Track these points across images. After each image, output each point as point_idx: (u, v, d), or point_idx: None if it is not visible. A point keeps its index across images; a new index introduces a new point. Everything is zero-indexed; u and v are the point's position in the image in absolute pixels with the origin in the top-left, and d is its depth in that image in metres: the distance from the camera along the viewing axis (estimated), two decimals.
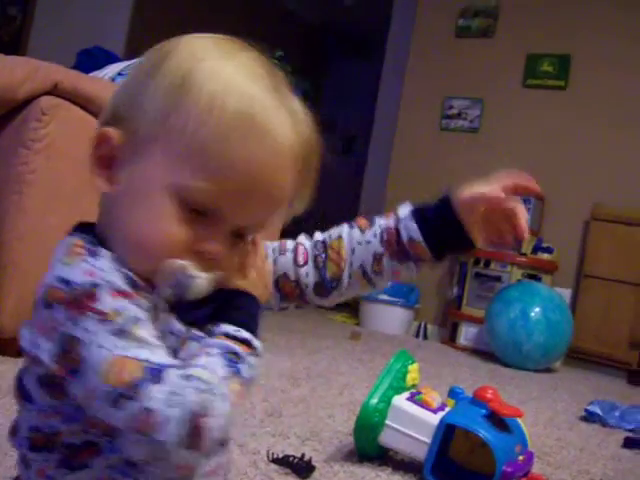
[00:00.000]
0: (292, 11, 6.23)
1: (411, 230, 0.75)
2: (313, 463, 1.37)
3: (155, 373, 0.57)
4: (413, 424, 1.44)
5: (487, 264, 4.08)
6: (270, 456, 1.39)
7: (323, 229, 0.83)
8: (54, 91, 1.83)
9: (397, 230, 0.76)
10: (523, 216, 0.75)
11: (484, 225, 0.76)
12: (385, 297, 4.20)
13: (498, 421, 1.39)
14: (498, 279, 4.04)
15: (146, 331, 0.60)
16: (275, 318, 3.54)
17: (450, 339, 4.18)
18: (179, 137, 0.62)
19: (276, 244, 0.81)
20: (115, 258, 0.63)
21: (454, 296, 4.26)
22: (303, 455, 1.39)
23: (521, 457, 1.39)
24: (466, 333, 4.07)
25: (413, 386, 1.55)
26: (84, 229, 0.68)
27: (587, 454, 1.86)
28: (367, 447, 1.49)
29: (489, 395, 1.43)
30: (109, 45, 3.19)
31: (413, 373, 1.56)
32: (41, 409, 0.65)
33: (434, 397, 1.50)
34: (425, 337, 4.35)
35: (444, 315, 4.39)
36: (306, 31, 6.53)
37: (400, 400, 1.48)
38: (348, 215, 0.99)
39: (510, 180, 0.75)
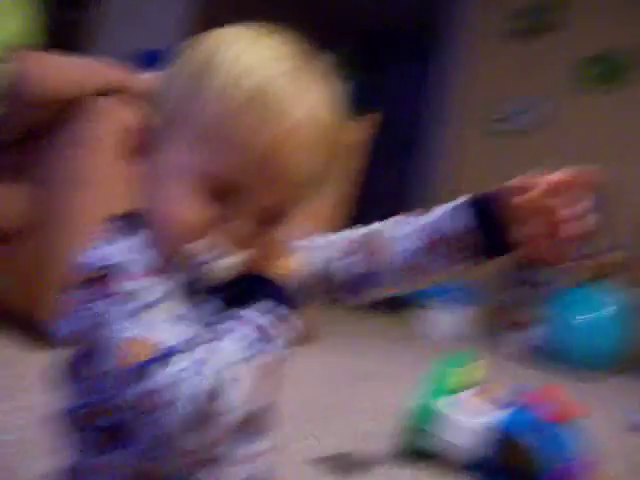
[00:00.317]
0: (345, 14, 6.23)
1: (454, 225, 0.72)
2: (355, 463, 1.37)
3: (166, 354, 0.58)
4: (460, 427, 1.43)
5: (541, 267, 4.01)
6: (312, 456, 1.40)
7: None
8: (109, 90, 1.87)
9: (436, 224, 0.74)
10: (570, 214, 0.68)
11: (533, 223, 0.69)
12: (435, 300, 4.17)
13: (546, 426, 1.38)
14: (552, 283, 3.97)
15: (163, 313, 0.60)
16: (328, 318, 3.54)
17: (501, 344, 4.13)
18: (199, 119, 0.63)
19: (310, 239, 0.80)
20: (141, 241, 0.65)
21: (505, 300, 4.20)
22: (345, 455, 1.39)
23: (569, 464, 1.37)
24: (517, 338, 4.02)
25: (460, 389, 1.54)
26: (120, 217, 0.70)
27: (634, 465, 1.82)
28: (415, 448, 1.49)
29: (539, 400, 1.41)
30: (166, 47, 3.24)
31: (461, 376, 1.55)
32: (75, 390, 0.67)
33: (481, 400, 1.49)
34: (474, 341, 4.31)
35: (495, 319, 4.33)
36: (358, 34, 6.53)
37: (448, 402, 1.47)
38: None
39: (560, 175, 0.69)
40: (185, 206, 0.64)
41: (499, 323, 4.21)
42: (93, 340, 0.60)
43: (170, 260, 0.64)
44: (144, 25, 4.75)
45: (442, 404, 1.47)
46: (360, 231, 0.79)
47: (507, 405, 1.48)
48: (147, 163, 0.68)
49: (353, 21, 6.33)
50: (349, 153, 2.60)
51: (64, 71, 1.86)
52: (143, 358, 0.57)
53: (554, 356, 3.51)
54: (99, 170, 1.85)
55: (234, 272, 0.66)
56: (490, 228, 0.71)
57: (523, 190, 0.70)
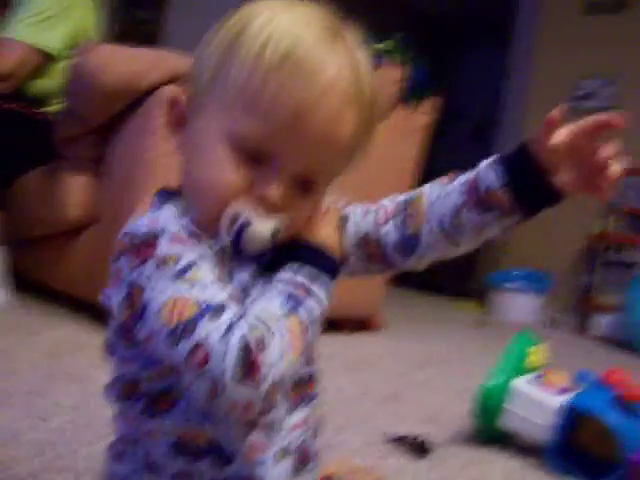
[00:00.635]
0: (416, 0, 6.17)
1: (489, 178, 0.71)
2: (430, 444, 1.36)
3: (212, 310, 0.59)
4: (534, 407, 1.39)
5: (621, 249, 3.91)
6: (387, 436, 1.39)
7: None
8: (178, 79, 1.90)
9: (476, 179, 0.72)
10: (611, 153, 0.67)
11: (570, 168, 0.69)
12: (514, 284, 4.10)
13: (627, 406, 1.33)
14: (633, 265, 3.86)
15: (205, 274, 0.62)
16: (400, 304, 3.53)
17: (582, 328, 4.04)
18: (231, 84, 0.64)
19: (360, 206, 0.80)
20: (180, 209, 0.67)
21: (587, 284, 4.10)
22: (420, 436, 1.38)
23: None
24: (599, 322, 3.92)
25: (536, 368, 1.50)
26: (164, 188, 0.72)
27: None
28: (486, 430, 1.46)
29: (618, 378, 1.36)
30: None
31: (536, 355, 1.52)
32: (122, 358, 0.69)
33: (558, 379, 1.44)
34: (556, 326, 4.22)
35: (576, 303, 4.23)
36: (431, 20, 6.45)
37: (521, 382, 1.44)
38: None
39: (591, 120, 0.68)
40: (219, 170, 0.65)
41: (581, 306, 4.11)
42: (140, 304, 0.61)
43: (208, 225, 0.65)
44: (211, 16, 4.83)
45: (519, 383, 1.44)
46: (404, 195, 0.78)
47: (585, 384, 1.43)
48: (185, 133, 0.70)
49: (423, 9, 6.27)
50: (414, 136, 2.58)
51: (133, 62, 1.89)
52: (190, 314, 0.59)
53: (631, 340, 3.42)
54: (168, 158, 1.88)
55: (271, 237, 0.66)
56: (531, 178, 0.70)
57: (549, 131, 0.69)
